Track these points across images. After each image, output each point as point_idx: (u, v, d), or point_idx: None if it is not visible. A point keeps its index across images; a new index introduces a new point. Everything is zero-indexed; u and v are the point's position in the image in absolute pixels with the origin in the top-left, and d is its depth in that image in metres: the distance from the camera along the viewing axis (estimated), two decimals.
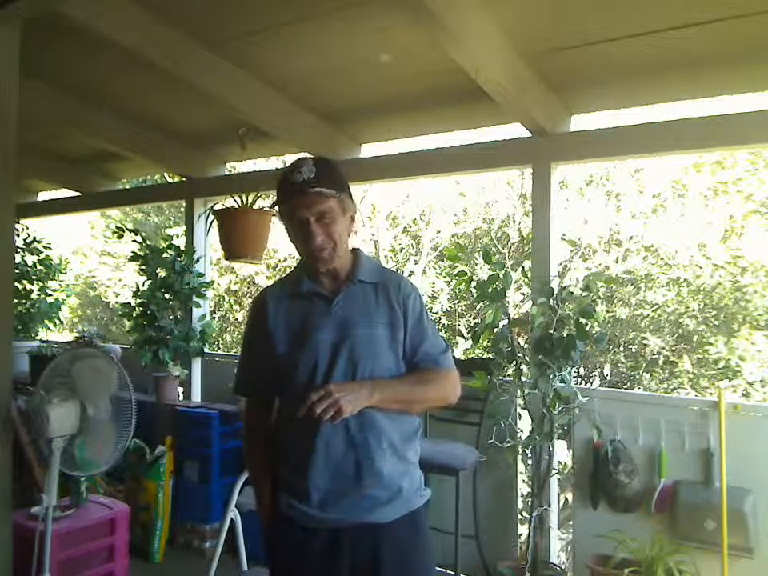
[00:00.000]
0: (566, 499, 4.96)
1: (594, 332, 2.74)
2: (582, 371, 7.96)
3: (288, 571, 1.56)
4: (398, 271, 9.24)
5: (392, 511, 1.51)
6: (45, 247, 5.32)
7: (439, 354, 1.59)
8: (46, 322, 5.36)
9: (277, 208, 1.55)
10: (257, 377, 1.64)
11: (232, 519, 3.08)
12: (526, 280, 3.01)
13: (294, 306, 1.57)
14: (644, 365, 7.58)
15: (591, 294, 2.77)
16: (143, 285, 3.95)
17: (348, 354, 1.49)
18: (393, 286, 1.58)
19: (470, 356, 6.83)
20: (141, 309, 3.95)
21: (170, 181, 6.68)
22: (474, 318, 8.30)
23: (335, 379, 1.48)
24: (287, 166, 1.53)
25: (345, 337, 1.50)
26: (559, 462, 2.94)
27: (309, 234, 1.48)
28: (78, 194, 5.22)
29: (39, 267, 5.29)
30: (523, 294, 7.28)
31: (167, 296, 3.97)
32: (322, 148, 3.61)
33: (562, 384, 2.74)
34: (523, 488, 3.23)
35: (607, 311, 7.59)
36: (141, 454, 3.51)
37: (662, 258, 7.57)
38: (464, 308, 8.55)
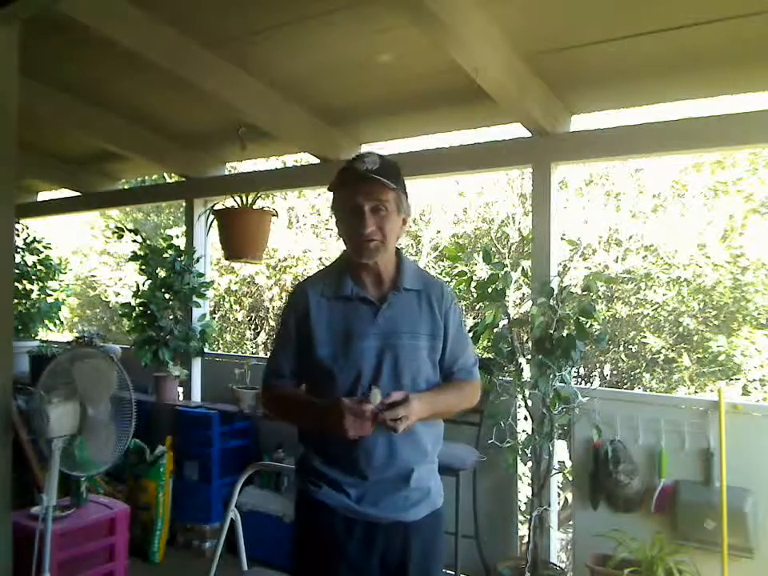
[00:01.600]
0: (566, 499, 4.96)
1: (594, 331, 2.74)
2: (582, 371, 7.96)
3: (324, 557, 1.56)
4: None
5: (420, 510, 1.56)
6: (45, 247, 5.32)
7: (473, 366, 1.66)
8: (46, 321, 5.36)
9: (332, 196, 1.55)
10: (294, 365, 1.60)
11: (232, 519, 3.07)
12: (526, 280, 3.01)
13: (337, 307, 1.55)
14: (644, 364, 7.58)
15: (591, 294, 2.77)
16: (143, 285, 3.95)
17: (392, 364, 1.51)
18: (435, 295, 1.60)
19: None
20: (141, 309, 3.95)
21: (170, 181, 6.68)
22: (474, 318, 8.31)
23: (380, 386, 1.48)
24: (352, 157, 1.52)
25: (389, 346, 1.51)
26: (559, 462, 2.94)
27: (361, 222, 1.47)
28: (77, 193, 5.22)
29: (39, 267, 5.29)
30: (523, 293, 7.28)
31: (167, 296, 3.96)
32: (322, 148, 3.61)
33: (562, 384, 2.74)
34: (523, 488, 3.22)
35: (607, 310, 7.59)
36: (141, 454, 3.51)
37: (662, 258, 7.57)
38: (464, 308, 8.55)
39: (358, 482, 1.52)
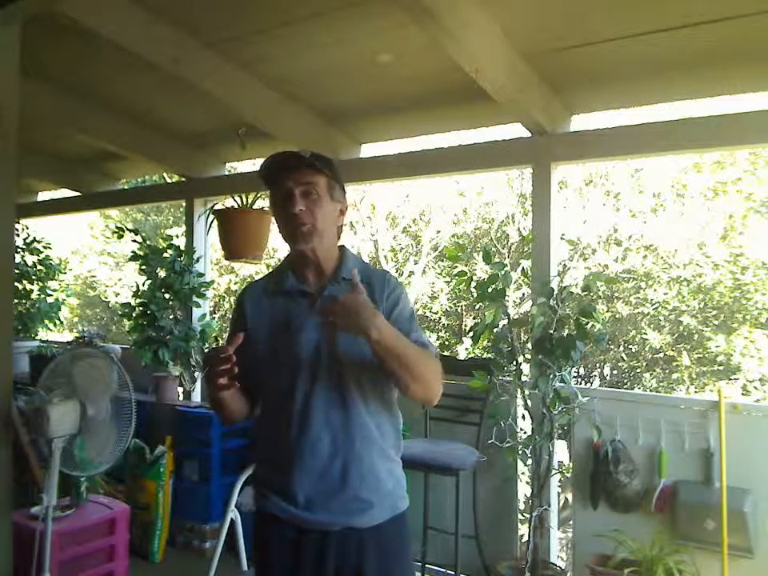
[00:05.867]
0: (566, 499, 4.96)
1: (594, 331, 2.74)
2: (582, 371, 7.97)
3: (278, 571, 1.51)
4: (398, 271, 9.25)
5: (378, 515, 1.47)
6: (45, 247, 5.32)
7: (428, 345, 1.52)
8: (46, 321, 5.36)
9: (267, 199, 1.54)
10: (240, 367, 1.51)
11: (232, 519, 3.08)
12: (526, 280, 3.01)
13: (278, 302, 1.52)
14: (644, 364, 7.59)
15: (591, 294, 2.77)
16: (143, 285, 3.95)
17: (330, 353, 1.46)
18: (378, 283, 1.53)
19: (469, 356, 6.83)
20: (141, 309, 3.94)
21: (170, 181, 6.69)
22: (474, 318, 8.31)
23: (321, 379, 1.45)
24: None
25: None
26: (559, 462, 2.94)
27: (290, 205, 1.44)
28: (78, 193, 5.23)
29: (39, 267, 5.29)
30: (523, 293, 7.29)
31: (167, 296, 3.96)
32: (321, 148, 3.59)
33: (562, 384, 2.74)
34: (523, 488, 3.22)
35: (607, 309, 7.60)
36: (141, 454, 3.51)
37: (662, 257, 7.58)
38: (464, 308, 8.56)
39: (304, 482, 1.44)
